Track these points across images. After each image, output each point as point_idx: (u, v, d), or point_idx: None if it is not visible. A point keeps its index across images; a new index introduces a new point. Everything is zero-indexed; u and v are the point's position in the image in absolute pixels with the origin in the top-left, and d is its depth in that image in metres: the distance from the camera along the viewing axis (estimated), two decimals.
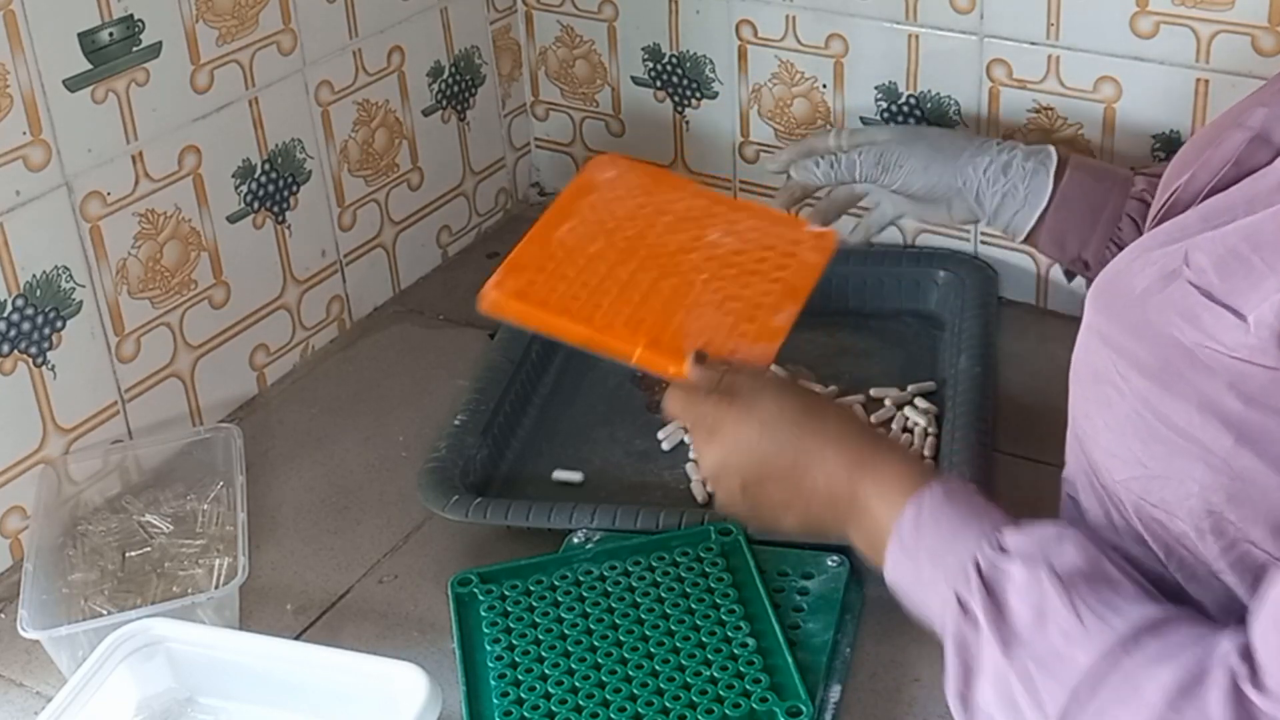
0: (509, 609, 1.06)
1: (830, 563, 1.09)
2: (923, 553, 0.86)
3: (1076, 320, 1.47)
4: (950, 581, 0.83)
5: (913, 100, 1.42)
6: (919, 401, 1.29)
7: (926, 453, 1.23)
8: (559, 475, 1.25)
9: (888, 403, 1.30)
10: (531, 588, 1.08)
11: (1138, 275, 0.83)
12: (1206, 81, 1.29)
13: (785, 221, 1.16)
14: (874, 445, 0.93)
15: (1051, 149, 1.22)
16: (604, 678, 1.00)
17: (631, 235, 1.09)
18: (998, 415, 1.25)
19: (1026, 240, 1.22)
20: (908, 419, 1.27)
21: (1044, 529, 0.83)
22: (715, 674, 0.99)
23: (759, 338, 1.02)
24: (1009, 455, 1.25)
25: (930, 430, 1.26)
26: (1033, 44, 1.35)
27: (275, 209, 1.38)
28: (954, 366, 1.30)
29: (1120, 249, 1.08)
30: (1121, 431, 0.82)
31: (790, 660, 1.00)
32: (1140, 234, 1.05)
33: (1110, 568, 0.80)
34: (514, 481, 1.25)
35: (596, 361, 1.31)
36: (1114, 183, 1.19)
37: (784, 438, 0.93)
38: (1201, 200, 0.88)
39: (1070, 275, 1.41)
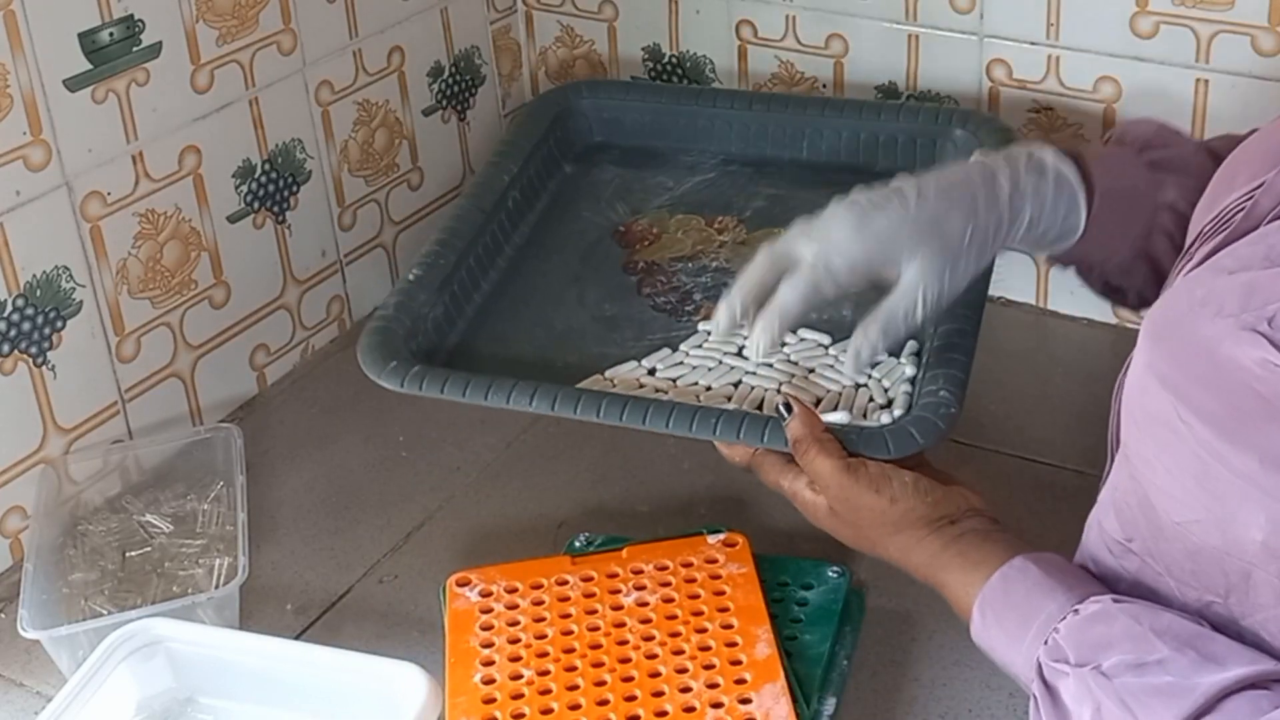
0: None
1: (831, 574, 1.08)
2: (996, 635, 0.89)
3: (1077, 320, 1.48)
4: (1024, 669, 0.87)
5: (913, 101, 1.43)
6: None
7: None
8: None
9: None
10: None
11: (1203, 319, 0.79)
12: (1206, 81, 1.29)
13: (685, 548, 1.10)
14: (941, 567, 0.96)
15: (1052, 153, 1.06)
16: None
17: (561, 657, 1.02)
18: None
19: (1072, 254, 1.08)
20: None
21: (1094, 623, 0.84)
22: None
23: (760, 678, 0.98)
24: (1009, 455, 1.26)
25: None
26: (1033, 44, 1.35)
27: (275, 209, 1.38)
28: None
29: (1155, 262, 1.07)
30: (1181, 474, 0.80)
31: (786, 671, 0.99)
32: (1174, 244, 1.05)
33: (1161, 646, 0.80)
34: (466, 348, 1.15)
35: (579, 211, 1.32)
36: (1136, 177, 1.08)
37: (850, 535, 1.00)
38: (1271, 220, 0.84)
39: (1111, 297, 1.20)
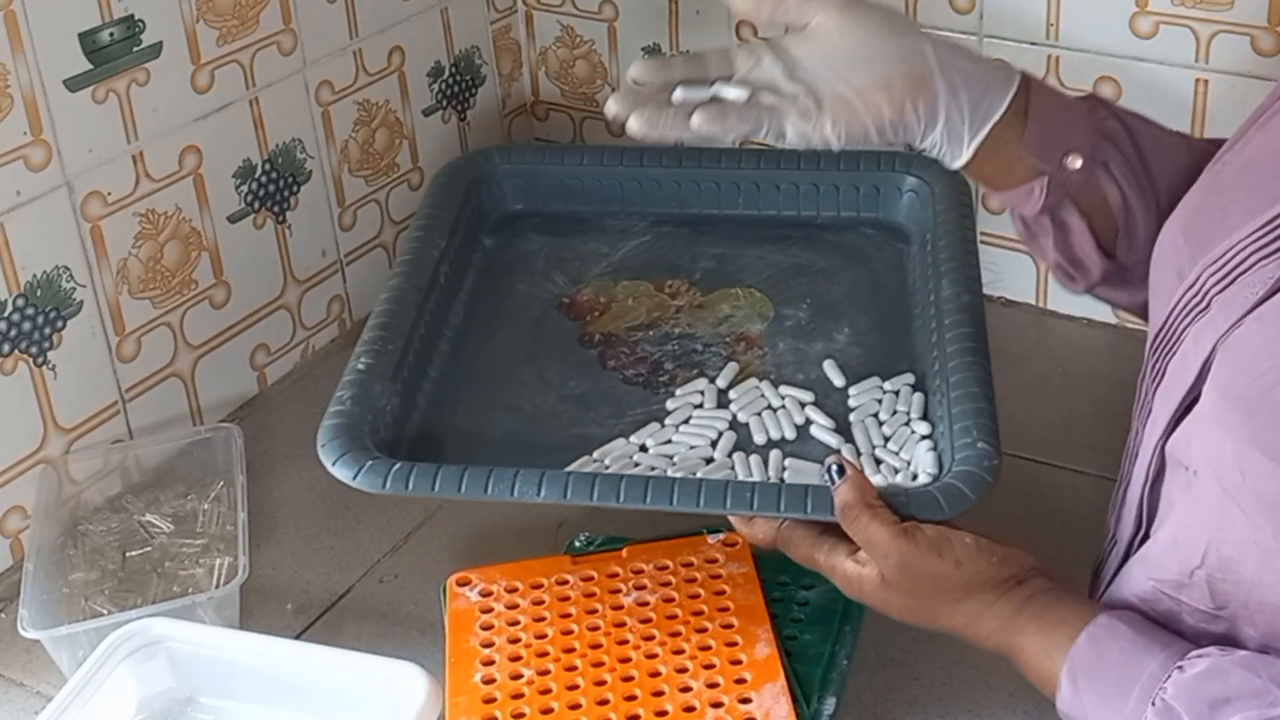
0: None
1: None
2: (1091, 702, 0.84)
3: (1077, 320, 1.48)
4: None
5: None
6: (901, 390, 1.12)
7: (914, 415, 1.08)
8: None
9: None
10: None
11: None
12: (1206, 81, 1.29)
13: (685, 547, 1.09)
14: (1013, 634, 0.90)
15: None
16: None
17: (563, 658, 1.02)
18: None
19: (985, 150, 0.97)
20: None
21: (1206, 680, 0.79)
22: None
23: (761, 677, 0.98)
24: (1009, 455, 1.25)
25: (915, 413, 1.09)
26: (1033, 44, 1.35)
27: (276, 209, 1.38)
28: (934, 292, 1.15)
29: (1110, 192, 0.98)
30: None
31: (786, 671, 0.99)
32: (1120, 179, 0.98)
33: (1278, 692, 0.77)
34: (430, 438, 1.08)
35: (513, 284, 1.26)
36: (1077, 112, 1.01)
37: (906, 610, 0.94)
38: None
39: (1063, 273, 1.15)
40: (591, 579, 1.08)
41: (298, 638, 1.11)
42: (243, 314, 1.37)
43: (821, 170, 1.30)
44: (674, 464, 1.03)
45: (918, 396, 1.08)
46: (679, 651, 1.01)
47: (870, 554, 0.91)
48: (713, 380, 1.12)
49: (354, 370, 1.07)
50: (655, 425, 1.08)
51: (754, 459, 1.04)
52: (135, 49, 1.22)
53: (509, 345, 1.17)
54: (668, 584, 1.07)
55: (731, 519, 0.98)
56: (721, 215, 1.32)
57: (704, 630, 1.03)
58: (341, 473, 0.99)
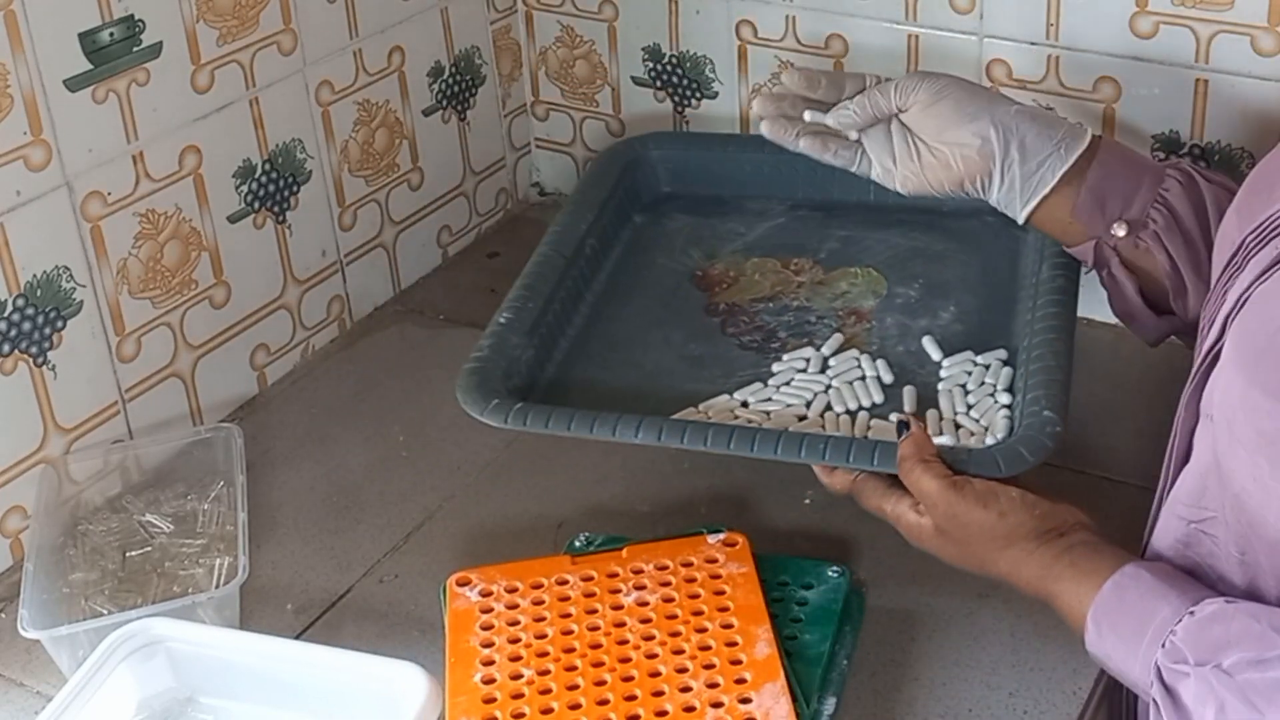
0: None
1: (831, 573, 1.08)
2: (1111, 643, 0.90)
3: (1077, 321, 1.47)
4: (1141, 676, 0.87)
5: None
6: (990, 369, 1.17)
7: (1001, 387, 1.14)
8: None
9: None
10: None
11: None
12: (1206, 81, 1.29)
13: (685, 547, 1.09)
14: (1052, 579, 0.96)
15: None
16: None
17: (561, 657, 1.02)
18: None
19: (1046, 207, 1.12)
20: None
21: (1212, 624, 0.84)
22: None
23: (761, 677, 0.98)
24: None
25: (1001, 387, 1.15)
26: (1033, 44, 1.35)
27: (275, 209, 1.38)
28: (1036, 275, 1.23)
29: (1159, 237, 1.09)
30: None
31: (786, 671, 0.99)
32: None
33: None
34: (560, 386, 1.19)
35: (653, 258, 1.36)
36: (1145, 168, 1.13)
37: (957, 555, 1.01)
38: None
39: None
40: (591, 579, 1.08)
41: (298, 638, 1.11)
42: (243, 314, 1.37)
43: None
44: (769, 419, 1.12)
45: (1006, 371, 1.15)
46: (679, 651, 1.01)
47: (924, 503, 0.99)
48: (819, 348, 1.20)
49: (495, 323, 1.18)
50: (759, 385, 1.17)
51: (843, 419, 1.12)
52: (135, 49, 1.22)
53: (641, 311, 1.28)
54: (668, 584, 1.07)
55: (815, 469, 1.06)
56: (854, 202, 1.38)
57: (704, 630, 1.03)
58: (472, 407, 1.10)
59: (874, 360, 1.18)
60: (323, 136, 1.42)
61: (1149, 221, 1.09)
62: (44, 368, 1.19)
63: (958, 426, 1.11)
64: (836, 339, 1.21)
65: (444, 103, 1.55)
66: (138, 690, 1.02)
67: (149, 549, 1.17)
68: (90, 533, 1.19)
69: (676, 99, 1.57)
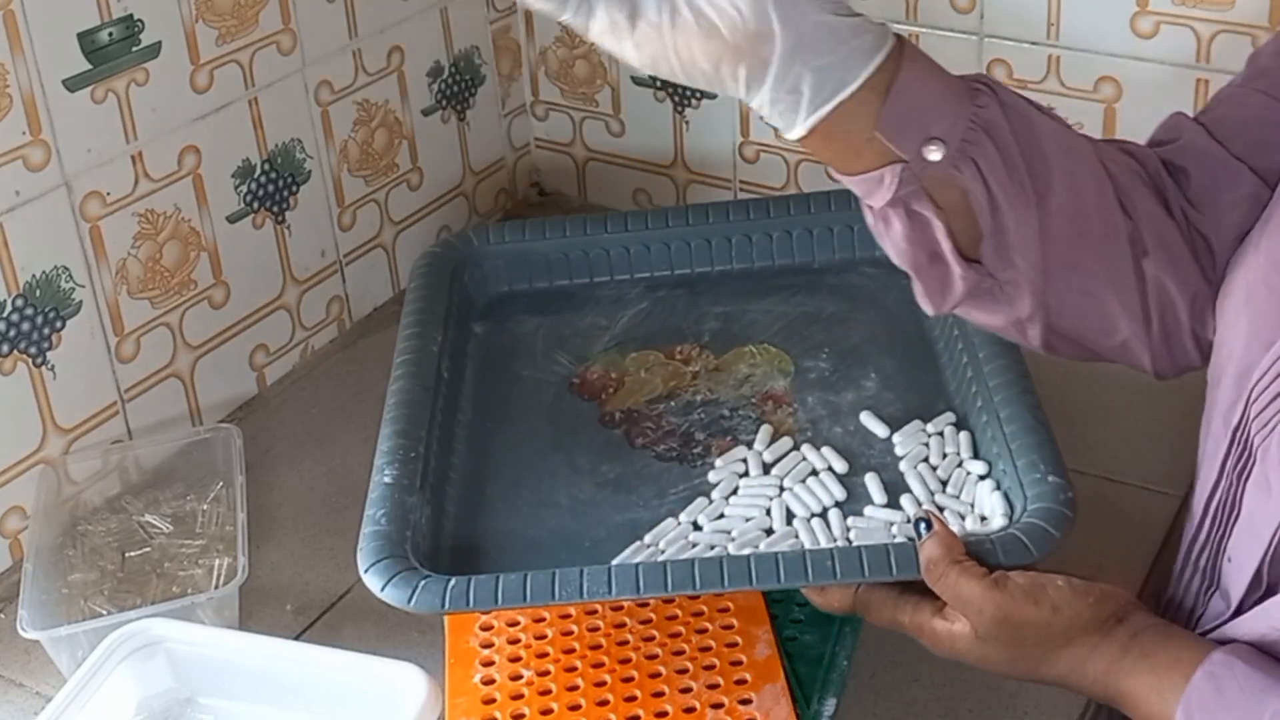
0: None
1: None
2: None
3: None
4: None
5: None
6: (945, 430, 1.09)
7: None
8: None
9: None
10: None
11: None
12: (1206, 81, 1.29)
13: None
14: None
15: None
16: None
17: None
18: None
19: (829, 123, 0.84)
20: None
21: None
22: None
23: (761, 678, 0.98)
24: None
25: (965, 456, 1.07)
26: (1033, 44, 1.35)
27: (275, 209, 1.38)
28: (956, 325, 1.12)
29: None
30: None
31: (786, 671, 0.99)
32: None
33: None
34: (467, 545, 1.04)
35: (515, 371, 1.20)
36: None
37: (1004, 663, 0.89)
38: None
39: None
40: None
41: (297, 638, 1.11)
42: (242, 314, 1.37)
43: (813, 214, 1.27)
44: (733, 539, 1.00)
45: (964, 435, 1.07)
46: (679, 652, 1.01)
47: (963, 610, 0.87)
48: (750, 445, 1.09)
49: (380, 484, 1.03)
50: (703, 500, 1.05)
51: (815, 523, 1.01)
52: (134, 49, 1.22)
53: (529, 435, 1.13)
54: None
55: (805, 590, 0.95)
56: (716, 272, 1.29)
57: (704, 631, 1.03)
58: (393, 596, 0.94)
59: (817, 449, 1.07)
60: (322, 136, 1.41)
61: (966, 146, 0.85)
62: (43, 368, 1.19)
63: (940, 509, 1.01)
64: (766, 430, 1.10)
65: (444, 103, 1.55)
66: (137, 691, 1.02)
67: (148, 549, 1.17)
68: (89, 533, 1.19)
69: (676, 99, 1.57)
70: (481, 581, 0.93)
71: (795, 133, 0.85)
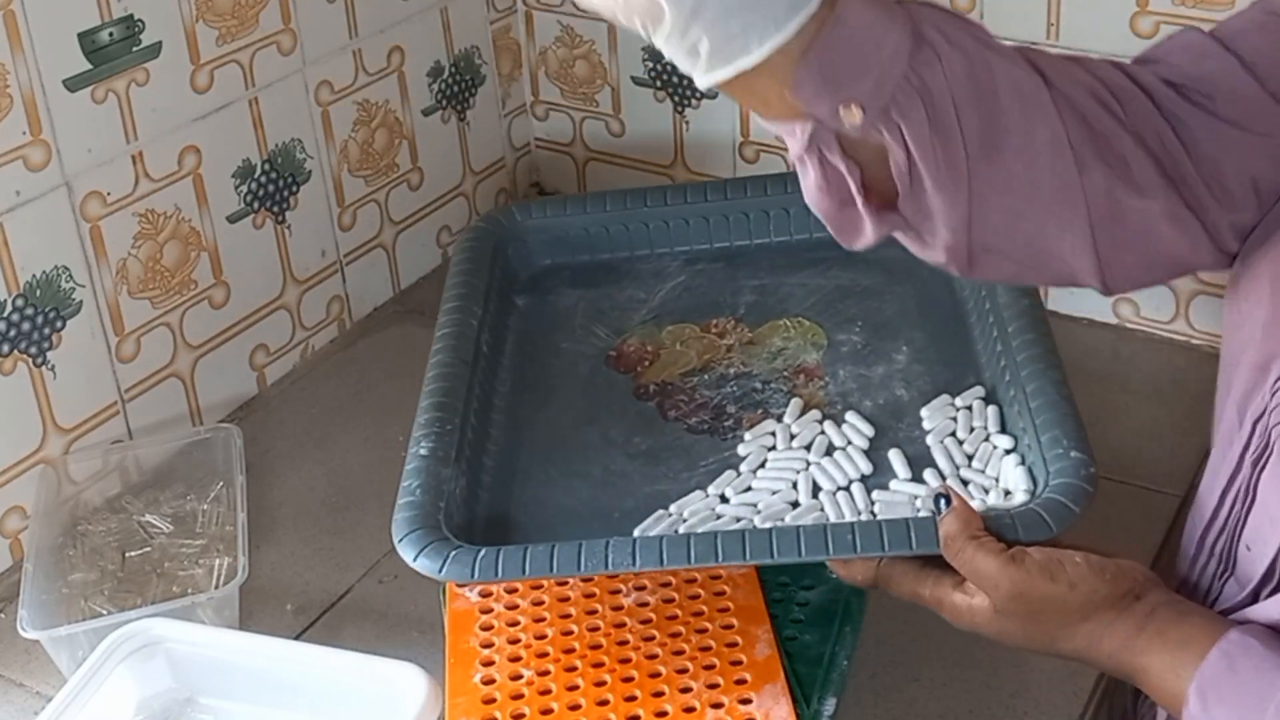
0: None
1: (831, 574, 1.03)
2: (1224, 718, 0.80)
3: (1077, 320, 1.47)
4: None
5: None
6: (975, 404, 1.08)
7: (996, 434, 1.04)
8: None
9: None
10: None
11: None
12: None
13: None
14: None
15: None
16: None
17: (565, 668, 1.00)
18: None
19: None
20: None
21: None
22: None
23: (760, 678, 0.98)
24: None
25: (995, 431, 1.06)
26: (1033, 44, 1.35)
27: (275, 209, 1.38)
28: (988, 299, 1.13)
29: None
30: None
31: (786, 671, 0.99)
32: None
33: None
34: (500, 515, 1.05)
35: (554, 343, 1.21)
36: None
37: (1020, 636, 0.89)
38: None
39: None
40: (591, 579, 1.08)
41: (297, 638, 1.11)
42: (242, 314, 1.37)
43: None
44: (759, 513, 1.00)
45: (992, 409, 1.06)
46: (679, 652, 1.01)
47: (980, 585, 0.88)
48: (780, 419, 1.09)
49: (416, 456, 1.04)
50: (731, 473, 1.05)
51: (840, 496, 1.01)
52: (135, 49, 1.22)
53: (565, 408, 1.14)
54: (668, 584, 1.07)
55: (830, 562, 0.95)
56: (754, 245, 1.29)
57: (704, 630, 1.03)
58: (425, 567, 0.95)
59: (846, 422, 1.08)
60: (322, 136, 1.42)
61: (893, 106, 0.81)
62: (43, 368, 1.19)
63: (965, 482, 1.01)
64: (796, 404, 1.10)
65: (444, 103, 1.55)
66: (137, 691, 1.02)
67: (148, 549, 1.17)
68: (90, 533, 1.19)
69: (676, 99, 1.57)
70: (509, 552, 0.94)
71: (702, 82, 0.79)
